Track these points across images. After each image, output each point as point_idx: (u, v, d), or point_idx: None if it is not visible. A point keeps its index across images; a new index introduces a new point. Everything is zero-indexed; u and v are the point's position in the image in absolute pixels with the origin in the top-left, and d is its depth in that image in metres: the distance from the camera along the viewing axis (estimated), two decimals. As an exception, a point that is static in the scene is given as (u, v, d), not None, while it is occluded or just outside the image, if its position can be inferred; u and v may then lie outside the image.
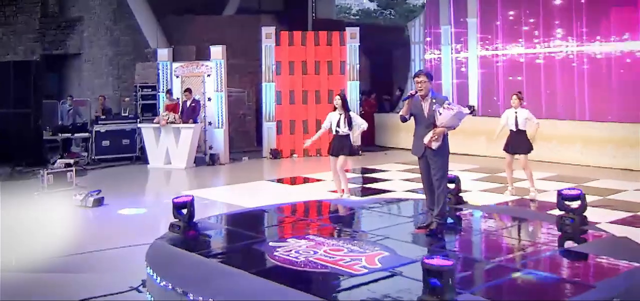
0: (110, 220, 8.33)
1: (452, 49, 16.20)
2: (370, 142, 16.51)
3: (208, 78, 13.97)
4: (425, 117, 6.31)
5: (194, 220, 6.56)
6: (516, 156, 9.26)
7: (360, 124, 8.79)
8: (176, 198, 6.58)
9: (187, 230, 6.41)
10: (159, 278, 5.09)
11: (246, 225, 7.01)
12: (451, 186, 7.69)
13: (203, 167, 13.38)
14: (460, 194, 7.84)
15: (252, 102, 16.57)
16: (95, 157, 14.19)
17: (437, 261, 4.05)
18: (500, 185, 10.00)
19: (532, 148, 9.16)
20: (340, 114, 8.65)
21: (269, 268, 5.31)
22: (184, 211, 6.49)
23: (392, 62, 18.47)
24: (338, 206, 8.10)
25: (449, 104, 6.19)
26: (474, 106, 15.34)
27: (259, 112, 15.34)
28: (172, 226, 6.51)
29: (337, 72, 15.05)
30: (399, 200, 8.64)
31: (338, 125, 8.63)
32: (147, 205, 9.52)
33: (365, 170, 12.54)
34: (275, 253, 5.60)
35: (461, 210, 7.43)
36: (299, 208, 8.23)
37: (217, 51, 13.83)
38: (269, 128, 14.69)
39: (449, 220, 6.81)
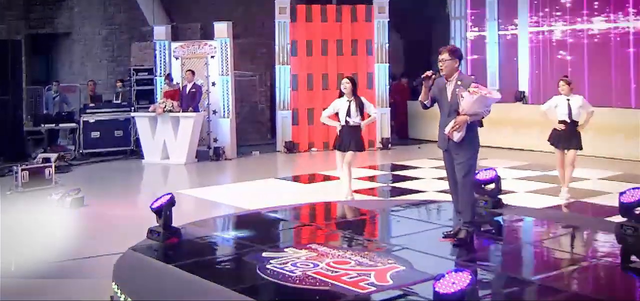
0: (88, 224, 8.26)
1: (498, 25, 15.87)
2: (403, 133, 16.22)
3: (212, 60, 13.86)
4: (448, 103, 6.09)
5: (179, 225, 6.45)
6: (566, 151, 8.92)
7: (374, 113, 8.66)
8: (155, 200, 6.44)
9: (167, 236, 6.29)
10: (123, 297, 4.89)
11: (239, 231, 6.93)
12: (490, 187, 7.55)
13: (206, 163, 13.31)
14: (500, 196, 7.64)
15: (266, 88, 16.37)
16: (83, 151, 14.20)
17: (451, 279, 3.70)
18: (554, 186, 9.72)
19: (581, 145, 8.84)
20: (350, 101, 8.43)
21: (257, 284, 5.12)
22: (164, 214, 6.35)
23: (429, 41, 18.05)
24: (352, 209, 7.98)
25: (475, 86, 5.90)
26: (523, 91, 14.81)
27: (273, 99, 15.15)
28: (150, 232, 6.40)
29: (363, 52, 14.82)
30: (427, 202, 8.44)
31: (348, 114, 8.40)
32: (136, 206, 9.45)
33: (394, 167, 12.43)
34: (268, 266, 5.44)
35: (500, 215, 7.27)
36: (306, 211, 8.11)
37: (221, 28, 13.67)
38: (283, 117, 14.54)
39: (486, 227, 6.67)
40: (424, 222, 7.24)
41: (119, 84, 15.29)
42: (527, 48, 15.22)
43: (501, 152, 13.72)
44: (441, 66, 6.08)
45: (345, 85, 8.43)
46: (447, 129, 6.00)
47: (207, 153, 13.65)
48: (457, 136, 5.98)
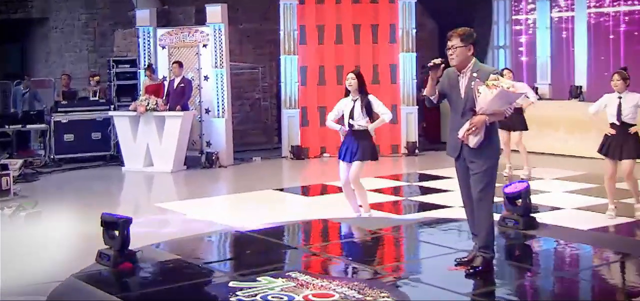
0: (38, 243, 8.15)
1: (551, 6, 15.64)
2: (434, 137, 15.98)
3: (204, 50, 13.78)
4: (462, 99, 5.92)
5: (136, 247, 6.47)
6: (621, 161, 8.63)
7: (384, 114, 8.30)
8: (109, 214, 6.47)
9: (119, 261, 6.30)
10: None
11: (209, 254, 7.03)
12: (519, 202, 7.52)
13: (196, 171, 13.24)
14: (533, 214, 7.59)
15: (272, 82, 16.23)
16: (55, 157, 14.19)
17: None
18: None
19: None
20: (355, 100, 8.21)
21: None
22: (117, 233, 6.38)
23: (469, 26, 17.73)
24: (354, 229, 7.97)
25: (496, 80, 5.73)
26: (580, 86, 14.40)
27: (279, 96, 15.05)
28: (100, 255, 6.45)
29: (384, 40, 14.62)
30: (447, 221, 8.32)
31: (352, 116, 8.19)
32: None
33: (422, 177, 12.30)
34: (232, 299, 5.39)
35: (533, 237, 7.19)
36: (296, 230, 8.13)
37: (215, 12, 13.56)
38: (289, 117, 14.42)
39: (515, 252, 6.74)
40: (437, 245, 7.14)
41: (95, 79, 15.24)
42: (585, 34, 14.96)
43: (551, 159, 13.52)
44: (451, 54, 5.93)
45: (350, 81, 8.20)
46: (461, 132, 5.86)
47: (199, 159, 13.57)
48: (473, 141, 5.83)
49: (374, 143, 8.37)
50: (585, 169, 12.24)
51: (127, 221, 6.33)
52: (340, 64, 14.40)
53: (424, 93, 6.09)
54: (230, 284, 5.70)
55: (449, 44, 5.94)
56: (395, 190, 11.18)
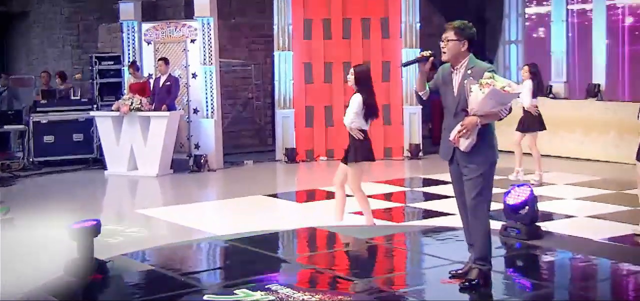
0: (4, 252, 7.97)
1: (567, -1, 15.70)
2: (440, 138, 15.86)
3: (192, 46, 13.79)
4: (454, 98, 5.88)
5: (109, 256, 6.55)
6: None
7: (348, 118, 8.00)
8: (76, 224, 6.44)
9: (87, 272, 6.27)
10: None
11: (184, 265, 6.98)
12: (522, 211, 7.41)
13: (183, 175, 13.27)
14: (537, 223, 7.52)
15: (268, 80, 16.21)
16: (35, 159, 14.21)
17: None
18: (630, 210, 9.43)
19: None
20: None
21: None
22: (87, 242, 6.36)
23: (479, 19, 17.73)
24: (343, 237, 7.94)
25: (491, 78, 5.66)
26: (598, 85, 14.38)
27: (273, 94, 15.06)
28: (68, 266, 6.38)
29: (387, 33, 14.59)
30: (446, 229, 8.26)
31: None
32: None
33: (426, 182, 12.28)
34: None
35: (536, 248, 7.18)
36: (280, 239, 8.17)
37: (203, 4, 13.56)
38: (284, 118, 14.43)
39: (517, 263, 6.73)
40: (432, 256, 7.11)
41: (78, 76, 15.27)
42: (604, 28, 14.94)
43: (566, 163, 13.49)
44: (443, 48, 5.88)
45: (351, 78, 8.13)
46: (452, 134, 5.81)
47: (187, 162, 13.59)
48: (464, 144, 5.77)
49: (368, 141, 8.17)
50: (602, 174, 12.23)
51: (96, 230, 6.30)
52: (331, 61, 14.43)
53: (415, 89, 6.08)
54: (205, 298, 5.67)
55: (443, 36, 5.89)
56: (396, 197, 11.14)
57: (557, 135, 13.75)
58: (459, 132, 5.74)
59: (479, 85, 5.61)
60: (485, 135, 5.79)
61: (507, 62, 17.10)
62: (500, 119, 5.85)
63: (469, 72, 5.80)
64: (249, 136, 16.21)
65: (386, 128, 14.22)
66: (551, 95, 14.96)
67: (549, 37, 15.92)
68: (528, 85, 11.09)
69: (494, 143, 5.92)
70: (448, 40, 5.84)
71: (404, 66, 6.32)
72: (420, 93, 6.05)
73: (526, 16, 16.58)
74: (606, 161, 13.22)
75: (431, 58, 5.91)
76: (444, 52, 5.86)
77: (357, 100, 7.89)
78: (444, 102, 6.00)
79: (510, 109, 5.84)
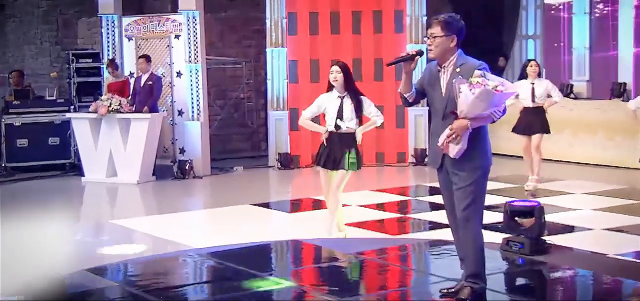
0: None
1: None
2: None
3: (176, 42, 13.85)
4: (442, 99, 5.85)
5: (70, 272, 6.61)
6: None
7: (376, 116, 8.34)
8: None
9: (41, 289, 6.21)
10: None
11: (152, 281, 7.01)
12: (527, 222, 7.42)
13: (167, 182, 13.33)
14: (543, 237, 7.51)
15: (261, 79, 16.23)
16: (7, 165, 14.30)
17: None
18: None
19: None
20: (342, 97, 8.18)
21: None
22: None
23: (494, 11, 17.71)
24: (330, 251, 8.00)
25: (482, 78, 5.62)
26: (623, 84, 14.42)
27: (266, 95, 15.10)
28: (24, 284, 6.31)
29: (389, 28, 14.60)
30: (444, 243, 8.15)
31: (340, 116, 8.18)
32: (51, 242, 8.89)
33: (433, 190, 12.08)
34: None
35: (540, 264, 7.19)
36: (264, 253, 8.22)
37: (189, -3, 13.58)
38: (277, 120, 14.47)
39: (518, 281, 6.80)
40: (425, 272, 7.21)
41: (55, 75, 15.30)
42: (631, 23, 14.90)
43: (586, 170, 13.50)
44: (429, 44, 5.84)
45: (336, 75, 8.16)
46: (441, 140, 5.78)
47: (171, 168, 13.63)
48: (453, 150, 5.75)
49: (360, 149, 8.34)
50: (623, 182, 12.21)
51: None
52: (326, 59, 14.37)
53: (399, 90, 6.01)
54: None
55: (429, 31, 5.86)
56: (400, 206, 11.15)
57: (577, 138, 13.68)
58: (447, 136, 5.70)
59: (468, 84, 5.54)
60: (476, 140, 5.75)
61: (523, 59, 17.02)
62: (494, 122, 5.80)
63: (457, 70, 5.78)
64: (240, 140, 16.28)
65: (384, 132, 14.15)
66: (572, 95, 14.90)
67: (570, 31, 15.88)
68: (525, 84, 11.08)
69: (487, 148, 5.90)
70: (434, 36, 5.81)
71: (389, 65, 6.23)
72: (405, 95, 5.99)
73: (545, 8, 16.56)
74: (632, 167, 13.08)
75: (417, 57, 5.88)
76: (431, 49, 5.82)
77: (369, 101, 8.18)
78: (431, 103, 5.99)
79: (505, 110, 5.78)
